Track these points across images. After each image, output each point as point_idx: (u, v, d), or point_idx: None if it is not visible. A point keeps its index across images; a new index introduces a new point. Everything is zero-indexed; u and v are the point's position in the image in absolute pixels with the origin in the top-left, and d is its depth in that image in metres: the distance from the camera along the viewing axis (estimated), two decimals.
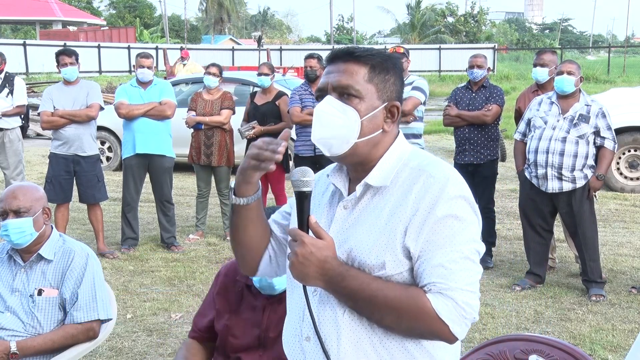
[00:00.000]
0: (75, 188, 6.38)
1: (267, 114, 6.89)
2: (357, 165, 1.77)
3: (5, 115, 7.19)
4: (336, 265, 1.66)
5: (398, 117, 1.78)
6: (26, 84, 13.72)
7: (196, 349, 2.74)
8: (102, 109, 6.32)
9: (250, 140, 6.94)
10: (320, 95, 1.76)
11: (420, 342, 1.71)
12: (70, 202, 6.48)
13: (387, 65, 1.76)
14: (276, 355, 2.47)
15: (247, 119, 7.08)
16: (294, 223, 1.82)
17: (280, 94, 7.00)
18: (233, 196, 1.79)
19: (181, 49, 20.50)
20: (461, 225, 1.65)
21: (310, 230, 1.67)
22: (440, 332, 1.61)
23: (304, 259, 1.64)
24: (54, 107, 6.15)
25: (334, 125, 1.70)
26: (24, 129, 7.64)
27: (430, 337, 1.67)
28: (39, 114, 6.44)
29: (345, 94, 1.72)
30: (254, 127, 6.83)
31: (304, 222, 1.68)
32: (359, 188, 1.75)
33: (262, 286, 2.53)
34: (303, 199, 1.68)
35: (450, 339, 1.63)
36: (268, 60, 20.63)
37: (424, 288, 1.63)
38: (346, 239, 1.72)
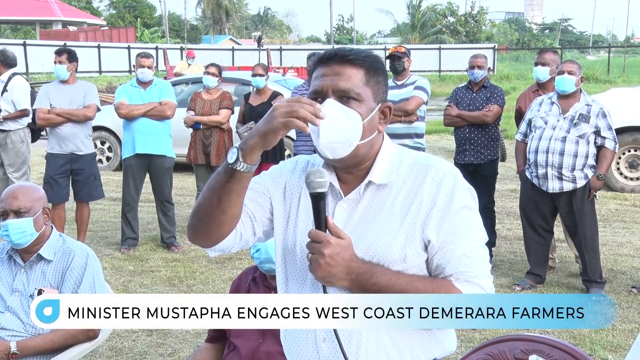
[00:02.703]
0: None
1: (263, 115, 6.87)
2: (351, 166, 1.77)
3: (6, 118, 7.09)
4: (361, 264, 1.67)
5: (389, 117, 1.81)
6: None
7: (207, 349, 2.83)
8: (98, 110, 6.34)
9: None
10: (318, 98, 1.72)
11: (432, 332, 1.75)
12: (67, 202, 6.50)
13: (377, 67, 1.77)
14: (275, 342, 2.51)
15: (243, 120, 7.08)
16: (298, 223, 1.80)
17: (276, 94, 7.01)
18: (242, 162, 1.65)
19: (181, 49, 20.52)
20: (473, 215, 1.76)
21: (327, 231, 1.66)
22: None
23: (331, 259, 1.63)
24: (51, 105, 6.16)
25: (340, 129, 1.68)
26: (34, 131, 7.49)
27: None
28: (34, 111, 6.41)
29: (345, 97, 1.71)
30: (251, 128, 6.83)
31: (321, 223, 1.66)
32: (362, 187, 1.76)
33: (262, 261, 2.59)
34: (319, 200, 1.67)
35: None
36: (268, 60, 20.71)
37: (450, 277, 1.70)
38: (360, 236, 1.72)
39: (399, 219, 1.72)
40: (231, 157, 1.66)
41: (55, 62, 6.22)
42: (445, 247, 1.70)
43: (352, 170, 1.78)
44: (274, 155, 6.84)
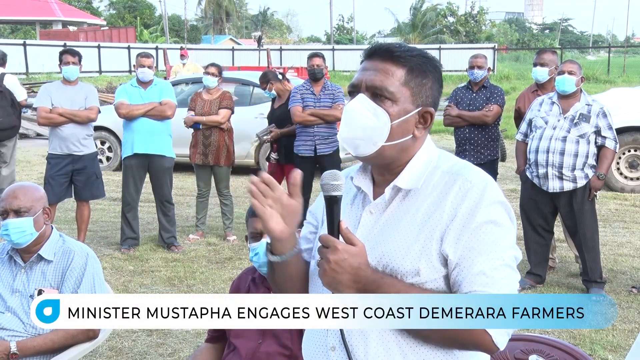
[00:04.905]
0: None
1: (282, 117, 6.88)
2: (383, 168, 1.71)
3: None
4: (370, 273, 1.59)
5: (430, 124, 1.71)
6: (26, 84, 13.62)
7: (207, 349, 2.83)
8: (99, 112, 6.37)
9: (271, 144, 6.95)
10: (353, 92, 1.69)
11: (451, 350, 1.65)
12: (63, 201, 6.52)
13: (425, 69, 1.69)
14: (274, 343, 2.51)
15: (269, 124, 7.09)
16: (323, 230, 1.75)
17: None
18: (269, 254, 1.68)
19: (181, 48, 20.52)
20: (500, 231, 1.61)
21: (340, 236, 1.59)
22: (483, 343, 1.56)
23: (336, 265, 1.56)
24: (52, 105, 6.16)
25: (363, 126, 1.63)
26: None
27: (471, 348, 1.61)
28: (35, 110, 6.42)
29: (377, 94, 1.65)
30: (271, 131, 6.83)
31: (334, 227, 1.60)
32: (388, 191, 1.68)
33: (261, 264, 2.59)
34: (333, 203, 1.60)
35: (492, 349, 1.57)
36: (268, 60, 20.68)
37: None
38: (377, 244, 1.66)
39: (417, 229, 1.62)
40: (265, 250, 1.72)
41: (68, 63, 6.21)
42: (462, 263, 1.59)
43: (384, 173, 1.72)
44: (289, 157, 6.81)
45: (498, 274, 1.58)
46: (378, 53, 1.69)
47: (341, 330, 1.64)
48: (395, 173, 1.69)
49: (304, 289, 1.78)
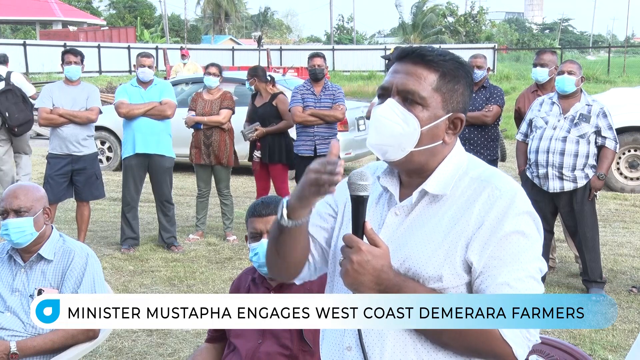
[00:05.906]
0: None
1: (265, 116, 6.89)
2: (411, 172, 1.69)
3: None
4: (392, 276, 1.58)
5: (460, 130, 1.69)
6: None
7: (207, 349, 2.83)
8: (100, 112, 6.37)
9: (253, 142, 6.93)
10: (383, 95, 1.66)
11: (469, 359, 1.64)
12: (66, 201, 6.52)
13: (458, 74, 1.67)
14: (274, 343, 2.51)
15: (250, 120, 7.07)
16: (345, 227, 1.74)
17: (276, 94, 6.99)
18: (286, 218, 1.65)
19: (181, 48, 20.53)
20: (527, 242, 1.60)
21: (364, 237, 1.58)
22: (502, 354, 1.55)
23: (359, 266, 1.55)
24: (53, 105, 6.16)
25: (392, 132, 1.61)
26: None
27: (491, 357, 1.59)
28: (37, 110, 6.45)
29: (409, 99, 1.62)
30: (256, 129, 6.82)
31: (359, 227, 1.58)
32: (415, 194, 1.66)
33: (260, 264, 2.59)
34: (359, 203, 1.58)
35: None
36: (268, 60, 20.69)
37: None
38: (400, 246, 1.64)
39: (442, 234, 1.60)
40: (279, 213, 1.66)
41: (70, 63, 6.21)
42: (486, 272, 1.57)
43: (412, 176, 1.70)
44: (280, 156, 6.81)
45: (522, 285, 1.56)
46: (410, 56, 1.66)
47: (359, 331, 1.63)
48: (424, 177, 1.67)
49: (308, 244, 1.78)
